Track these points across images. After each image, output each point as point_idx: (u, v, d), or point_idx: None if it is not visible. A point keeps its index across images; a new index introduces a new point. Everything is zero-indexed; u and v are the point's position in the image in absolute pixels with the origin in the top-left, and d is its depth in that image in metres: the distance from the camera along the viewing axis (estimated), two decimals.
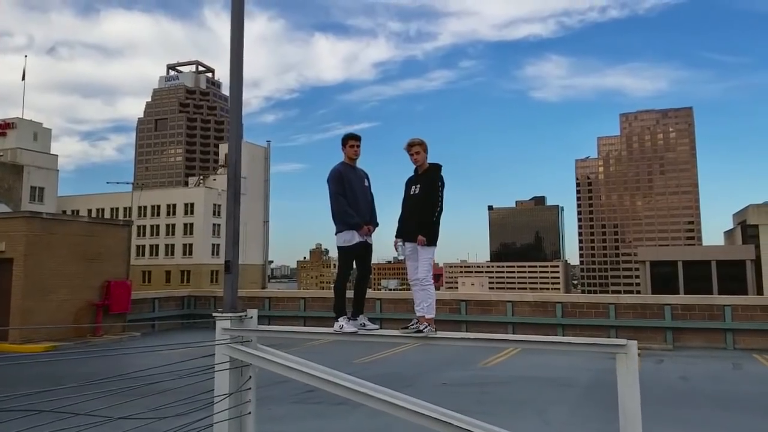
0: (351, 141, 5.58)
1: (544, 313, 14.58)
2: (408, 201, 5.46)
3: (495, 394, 10.02)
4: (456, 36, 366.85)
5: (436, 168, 5.44)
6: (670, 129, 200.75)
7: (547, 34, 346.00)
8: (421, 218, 5.21)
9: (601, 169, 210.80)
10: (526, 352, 12.91)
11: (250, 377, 4.95)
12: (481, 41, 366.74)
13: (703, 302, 13.20)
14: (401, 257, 5.48)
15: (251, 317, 5.30)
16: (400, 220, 5.56)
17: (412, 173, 5.65)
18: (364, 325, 5.28)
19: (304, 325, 16.77)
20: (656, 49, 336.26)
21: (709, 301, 13.31)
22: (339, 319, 5.19)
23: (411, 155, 5.46)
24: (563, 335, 14.20)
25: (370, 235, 5.58)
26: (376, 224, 5.73)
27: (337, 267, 5.62)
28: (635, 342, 3.53)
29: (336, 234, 5.49)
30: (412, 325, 5.06)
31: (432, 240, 5.22)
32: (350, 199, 5.42)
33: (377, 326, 5.53)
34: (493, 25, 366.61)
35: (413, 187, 5.45)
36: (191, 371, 4.40)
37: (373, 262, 6.06)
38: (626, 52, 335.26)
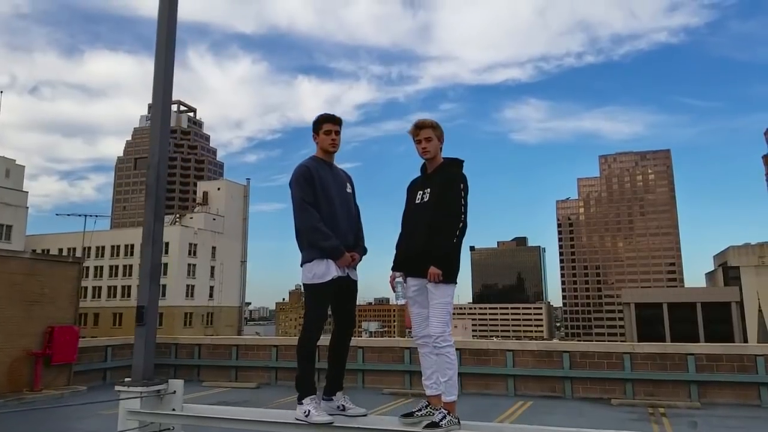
0: (326, 125, 3.83)
1: (549, 364, 12.80)
2: (413, 215, 3.75)
3: None
4: (436, 79, 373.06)
5: (456, 164, 3.76)
6: (649, 171, 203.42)
7: (525, 79, 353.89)
8: (435, 240, 3.52)
9: (581, 210, 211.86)
10: None
11: None
12: (461, 85, 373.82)
13: (731, 351, 11.57)
14: (400, 301, 3.74)
15: (174, 391, 3.58)
16: (401, 244, 3.82)
17: (419, 173, 3.92)
18: (344, 409, 3.55)
19: (276, 379, 14.82)
20: (632, 94, 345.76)
21: (738, 350, 11.68)
22: (304, 401, 3.37)
23: (418, 143, 3.75)
24: (572, 389, 12.45)
25: (355, 267, 3.84)
26: (364, 250, 3.94)
27: (304, 315, 3.75)
28: None
29: (302, 265, 3.72)
30: (421, 411, 3.38)
31: (451, 274, 3.54)
32: (325, 210, 3.69)
33: (364, 411, 3.64)
34: (472, 69, 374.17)
35: (421, 192, 3.73)
36: None
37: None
38: (603, 97, 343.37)
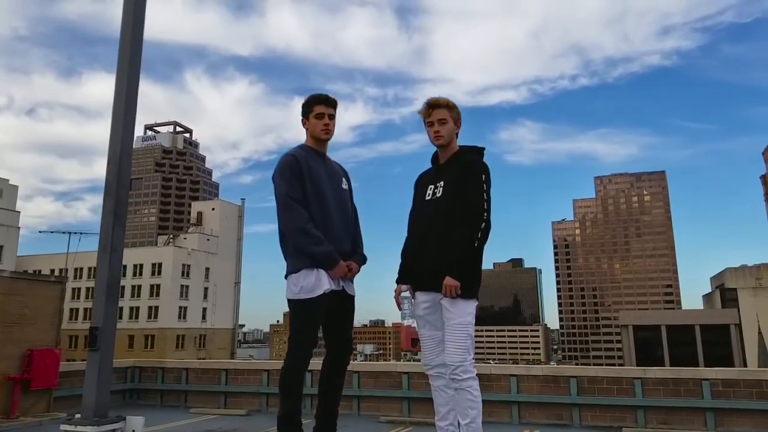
0: (318, 107, 3.25)
1: (555, 390, 12.14)
2: (422, 214, 3.15)
3: None
4: None
5: (475, 151, 3.17)
6: (645, 192, 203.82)
7: (519, 101, 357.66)
8: (451, 244, 2.92)
9: (577, 231, 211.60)
10: None
11: None
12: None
13: (748, 377, 10.96)
14: (408, 321, 3.05)
15: (133, 431, 2.98)
16: (408, 250, 3.21)
17: (430, 165, 3.33)
18: None
19: (267, 405, 14.08)
20: (626, 116, 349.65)
21: (755, 375, 11.06)
22: None
23: (429, 125, 3.16)
24: (580, 417, 11.77)
25: (352, 280, 3.23)
26: (363, 259, 3.32)
27: (288, 339, 3.13)
28: None
29: (287, 276, 3.13)
30: None
31: (472, 287, 2.94)
32: (315, 209, 3.10)
33: None
34: (467, 91, 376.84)
35: (432, 187, 3.15)
36: None
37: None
38: (597, 119, 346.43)
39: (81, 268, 73.70)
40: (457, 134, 3.24)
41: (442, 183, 3.10)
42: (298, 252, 3.06)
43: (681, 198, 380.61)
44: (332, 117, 3.29)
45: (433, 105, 3.18)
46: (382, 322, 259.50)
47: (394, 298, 3.15)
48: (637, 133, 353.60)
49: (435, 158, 3.33)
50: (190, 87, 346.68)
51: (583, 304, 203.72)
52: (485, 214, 2.95)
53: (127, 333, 69.67)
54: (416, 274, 3.08)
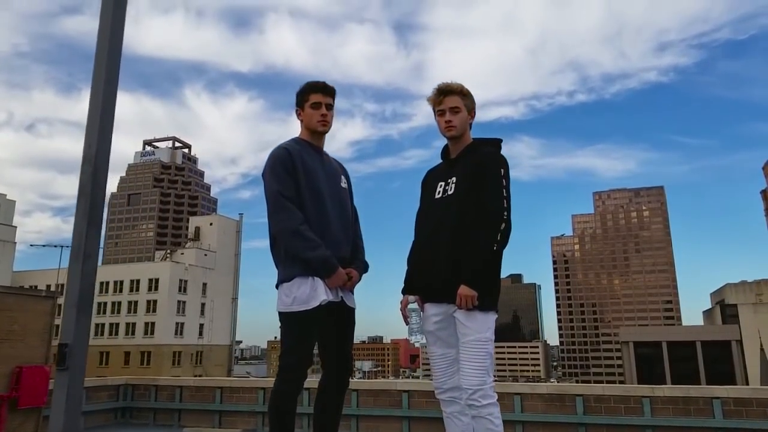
0: (314, 95, 2.90)
1: (561, 409, 11.75)
2: (431, 214, 2.80)
3: None
4: (430, 117, 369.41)
5: (491, 143, 2.86)
6: (643, 207, 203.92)
7: (517, 116, 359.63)
8: (466, 247, 2.57)
9: (576, 246, 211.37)
10: None
11: None
12: None
13: (761, 395, 10.58)
14: (417, 337, 2.74)
15: None
16: (415, 256, 2.84)
17: (438, 161, 3.00)
18: None
19: (263, 425, 13.66)
20: (624, 131, 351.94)
21: None
22: None
23: (440, 114, 2.84)
24: None
25: (352, 289, 2.87)
26: (364, 266, 2.96)
27: (279, 357, 2.77)
28: None
29: (278, 285, 2.78)
30: None
31: (491, 297, 2.60)
32: (311, 209, 2.76)
33: None
34: None
35: (442, 184, 2.81)
36: None
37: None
38: (595, 134, 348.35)
39: (62, 285, 72.98)
40: (470, 125, 2.90)
41: (454, 179, 2.74)
42: (291, 258, 2.71)
43: (680, 213, 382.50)
44: (330, 107, 2.94)
45: (444, 91, 2.82)
46: (381, 338, 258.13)
47: (400, 311, 2.76)
48: (635, 148, 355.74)
49: (445, 152, 2.96)
50: (189, 103, 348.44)
51: (582, 320, 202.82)
52: (505, 213, 2.61)
53: (123, 349, 68.96)
54: (425, 283, 2.70)
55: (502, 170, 2.70)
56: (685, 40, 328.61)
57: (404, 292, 2.81)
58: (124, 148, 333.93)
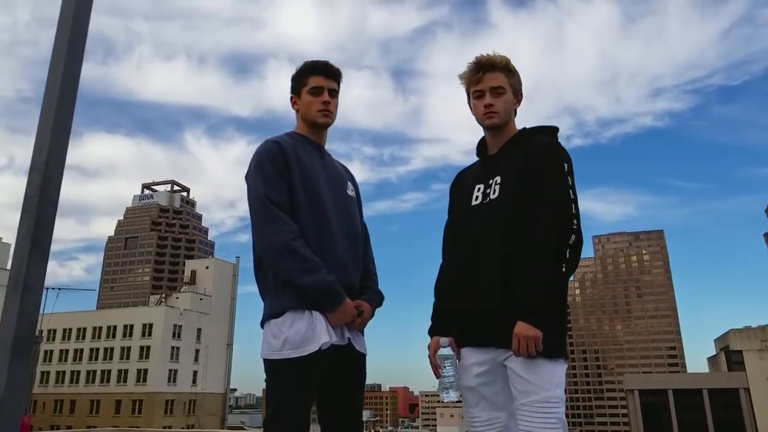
0: (314, 78, 2.24)
1: None
2: (469, 225, 2.06)
3: None
4: (428, 160, 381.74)
5: (547, 131, 2.11)
6: (644, 251, 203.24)
7: None
8: (522, 271, 1.83)
9: (578, 291, 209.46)
10: None
11: None
12: (451, 165, 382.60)
13: None
14: (450, 394, 1.89)
15: None
16: (445, 284, 2.10)
17: (476, 156, 2.32)
18: None
19: None
20: (621, 175, 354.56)
21: None
22: None
23: (478, 97, 2.10)
24: None
25: (362, 328, 2.12)
26: (378, 297, 2.20)
27: (264, 420, 1.97)
28: None
29: (263, 322, 2.05)
30: None
31: (560, 338, 1.84)
32: (307, 219, 2.06)
33: None
34: (463, 151, 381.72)
35: (481, 186, 2.10)
36: None
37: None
38: (592, 179, 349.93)
39: (54, 330, 71.32)
40: (515, 111, 2.18)
41: (498, 178, 2.02)
42: (282, 284, 2.00)
43: (680, 257, 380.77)
44: (335, 93, 2.27)
45: (484, 66, 2.08)
46: (379, 386, 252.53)
47: (429, 358, 1.98)
48: (633, 192, 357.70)
49: (481, 147, 2.26)
50: (189, 147, 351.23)
51: (585, 366, 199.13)
52: (574, 221, 1.86)
53: (115, 397, 66.89)
54: (463, 320, 1.95)
55: (566, 165, 1.96)
56: (678, 85, 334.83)
57: (432, 332, 2.05)
58: (123, 192, 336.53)
